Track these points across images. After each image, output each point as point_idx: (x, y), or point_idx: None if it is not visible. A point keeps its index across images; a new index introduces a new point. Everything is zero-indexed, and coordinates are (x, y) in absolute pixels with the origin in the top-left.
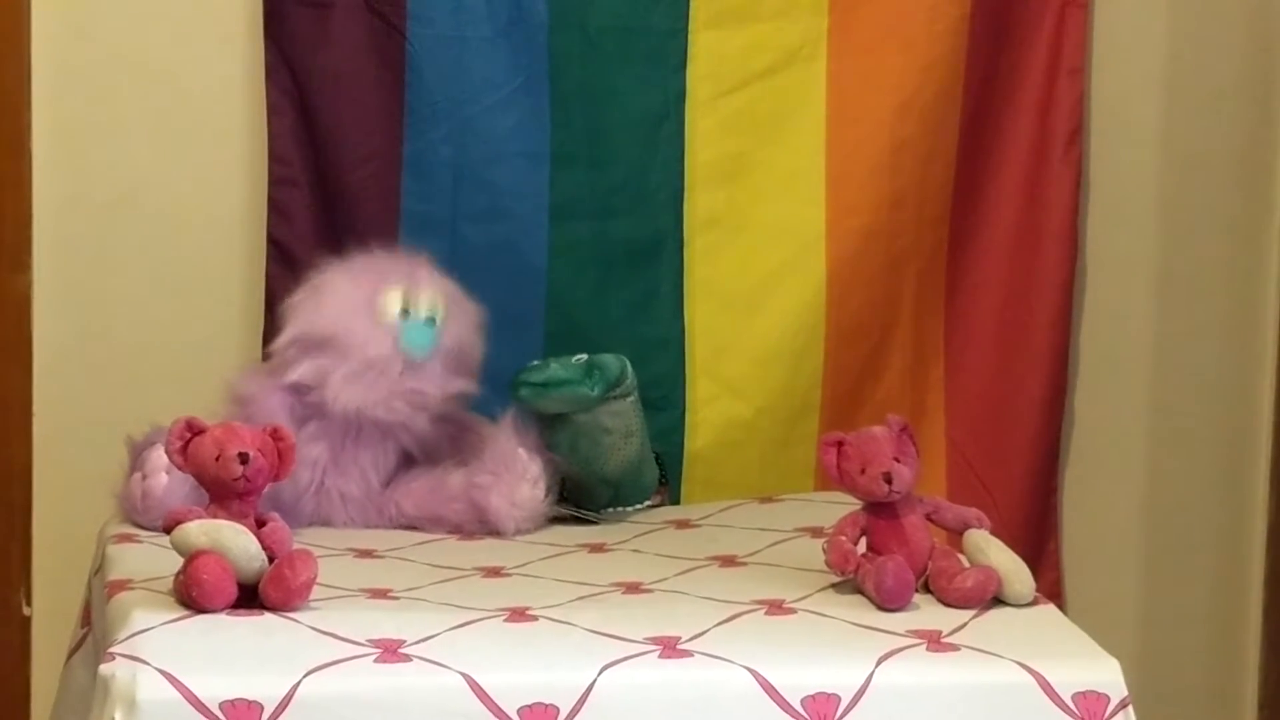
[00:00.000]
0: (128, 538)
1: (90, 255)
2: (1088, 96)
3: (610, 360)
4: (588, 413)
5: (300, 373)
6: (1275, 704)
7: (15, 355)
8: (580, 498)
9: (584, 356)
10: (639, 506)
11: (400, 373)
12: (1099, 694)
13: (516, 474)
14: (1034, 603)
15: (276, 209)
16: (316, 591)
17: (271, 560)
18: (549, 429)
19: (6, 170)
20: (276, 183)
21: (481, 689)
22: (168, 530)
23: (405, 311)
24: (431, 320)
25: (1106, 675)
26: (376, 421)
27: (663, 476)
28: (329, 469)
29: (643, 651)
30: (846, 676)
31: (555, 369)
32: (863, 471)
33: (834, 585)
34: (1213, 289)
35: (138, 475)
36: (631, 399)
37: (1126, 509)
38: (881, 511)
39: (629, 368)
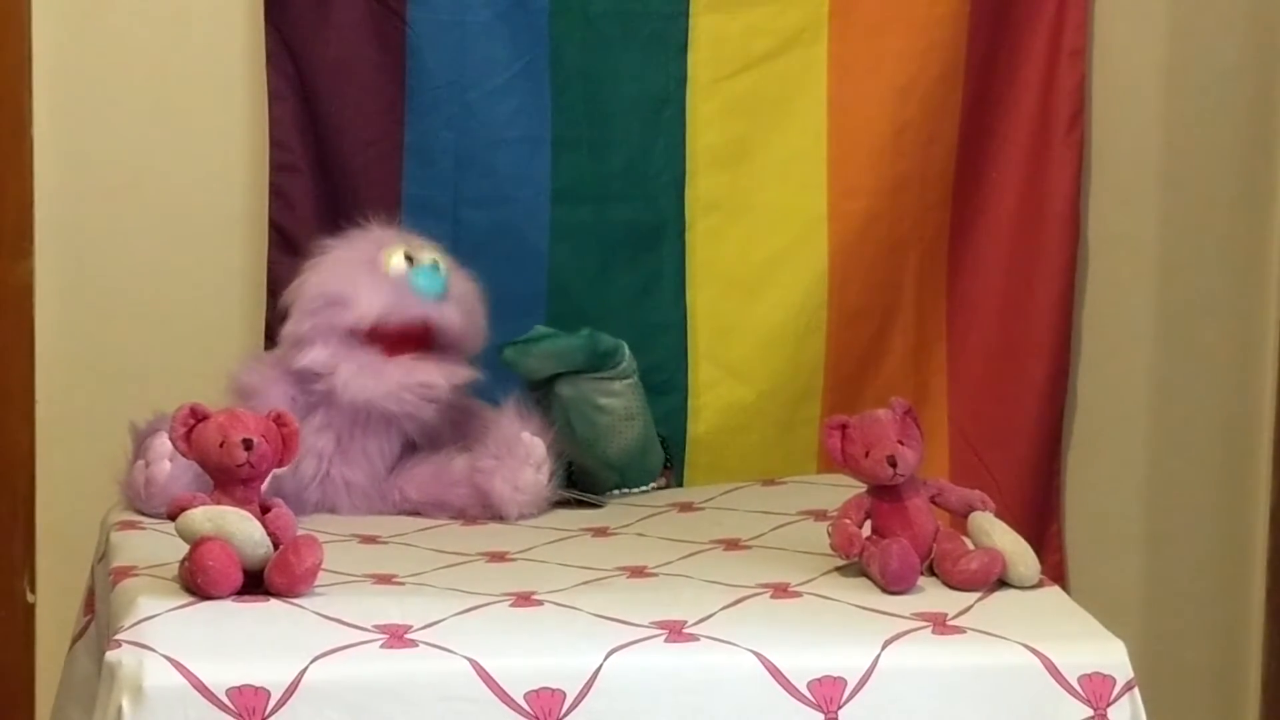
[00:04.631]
0: (131, 525)
1: (92, 242)
2: (1089, 78)
3: (607, 336)
4: (574, 386)
5: (311, 358)
6: (1279, 685)
7: (18, 342)
8: (586, 482)
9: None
10: (645, 489)
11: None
12: (1105, 675)
13: (519, 458)
14: (1039, 585)
15: (278, 195)
16: (321, 577)
17: (276, 546)
18: (544, 409)
19: (8, 157)
20: (278, 169)
21: (488, 674)
22: (172, 517)
23: (409, 259)
24: (436, 265)
25: (1112, 657)
26: (384, 412)
27: (668, 459)
28: (334, 459)
29: (648, 636)
30: (852, 659)
31: (541, 329)
32: (866, 454)
33: (838, 568)
34: (1215, 271)
35: (141, 462)
36: (630, 381)
37: (1129, 491)
38: (885, 494)
39: (627, 350)
